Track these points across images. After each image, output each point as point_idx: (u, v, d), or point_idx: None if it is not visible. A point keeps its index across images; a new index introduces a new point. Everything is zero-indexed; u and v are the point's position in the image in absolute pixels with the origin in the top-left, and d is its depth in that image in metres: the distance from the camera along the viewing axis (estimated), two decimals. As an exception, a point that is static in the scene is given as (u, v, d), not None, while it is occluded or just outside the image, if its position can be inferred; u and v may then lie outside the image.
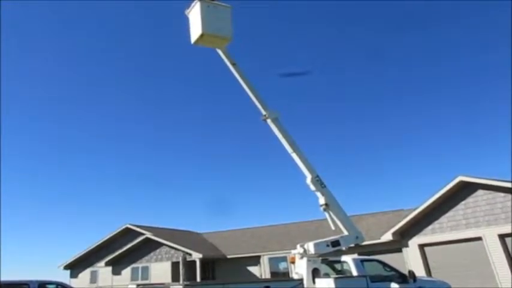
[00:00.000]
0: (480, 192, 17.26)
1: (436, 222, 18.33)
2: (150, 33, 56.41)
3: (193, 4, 9.92)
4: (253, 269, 24.59)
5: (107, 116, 58.72)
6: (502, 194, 16.56)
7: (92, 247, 29.79)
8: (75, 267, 30.58)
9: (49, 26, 53.99)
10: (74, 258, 30.35)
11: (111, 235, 29.17)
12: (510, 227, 15.98)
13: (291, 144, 10.50)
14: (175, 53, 59.18)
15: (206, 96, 59.04)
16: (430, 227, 18.48)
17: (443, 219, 18.14)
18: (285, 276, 21.12)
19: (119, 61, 58.14)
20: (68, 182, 59.96)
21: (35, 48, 52.85)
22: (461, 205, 17.75)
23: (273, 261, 23.95)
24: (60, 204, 59.39)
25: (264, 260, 24.24)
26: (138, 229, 27.65)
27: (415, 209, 18.84)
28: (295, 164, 10.61)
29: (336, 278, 8.53)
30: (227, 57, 10.36)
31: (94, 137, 59.42)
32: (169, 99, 60.89)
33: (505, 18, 40.09)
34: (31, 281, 14.15)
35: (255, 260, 24.58)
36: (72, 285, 22.74)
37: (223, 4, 10.03)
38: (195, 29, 9.72)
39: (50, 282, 15.55)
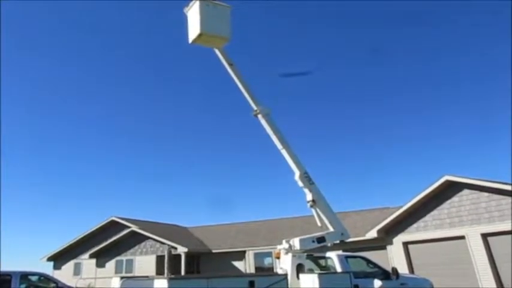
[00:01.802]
0: (465, 191, 17.45)
1: (421, 220, 18.51)
2: (150, 31, 55.99)
3: (192, 3, 9.78)
4: (238, 264, 24.63)
5: (94, 110, 58.17)
6: (486, 194, 16.77)
7: (77, 239, 29.53)
8: (59, 259, 30.28)
9: (47, 25, 53.22)
10: (58, 250, 30.04)
11: (97, 227, 28.96)
12: (492, 226, 16.24)
13: (281, 140, 10.50)
14: (174, 51, 58.76)
15: (188, 88, 58.75)
16: (414, 225, 18.66)
17: (428, 217, 18.32)
18: (269, 271, 21.17)
19: (112, 58, 57.53)
20: (53, 174, 59.33)
21: (34, 48, 52.33)
22: (446, 204, 17.94)
23: (258, 256, 24.01)
24: (44, 196, 58.82)
25: (250, 255, 24.28)
26: (123, 222, 27.47)
27: (400, 207, 19.00)
28: (284, 160, 10.63)
29: (320, 274, 8.55)
30: (224, 57, 10.28)
31: (84, 131, 58.81)
32: (152, 93, 60.47)
33: (502, 18, 40.42)
34: (13, 272, 13.95)
35: (240, 255, 24.61)
36: (55, 277, 22.50)
37: (222, 4, 9.90)
38: (194, 28, 9.59)
39: (33, 274, 15.37)
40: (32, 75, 55.34)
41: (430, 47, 48.17)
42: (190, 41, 9.78)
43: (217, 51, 10.26)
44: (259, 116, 10.47)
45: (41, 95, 56.61)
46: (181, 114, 59.16)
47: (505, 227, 15.89)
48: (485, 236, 16.48)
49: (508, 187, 15.86)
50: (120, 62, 58.71)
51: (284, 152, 10.52)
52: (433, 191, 18.08)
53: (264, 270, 22.84)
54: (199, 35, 9.39)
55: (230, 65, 10.33)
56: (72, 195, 59.77)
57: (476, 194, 17.11)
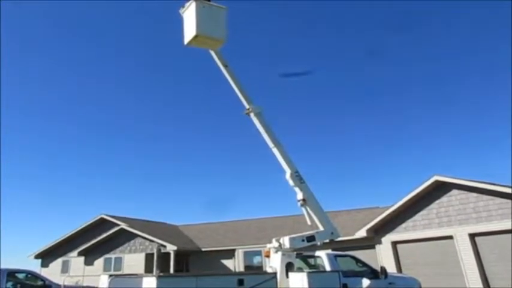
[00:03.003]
0: (454, 191, 17.60)
1: (410, 220, 18.64)
2: (150, 31, 55.71)
3: (188, 4, 9.67)
4: (228, 262, 24.58)
5: (90, 110, 57.71)
6: (475, 195, 16.93)
7: (65, 236, 29.21)
8: (47, 256, 29.95)
9: (45, 25, 52.60)
10: (46, 248, 29.72)
11: (85, 225, 28.68)
12: (480, 226, 16.41)
13: (273, 139, 10.47)
14: (173, 51, 58.49)
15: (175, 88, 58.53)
16: (403, 225, 18.78)
17: (417, 217, 18.44)
18: (259, 270, 21.17)
19: (111, 58, 57.10)
20: (42, 171, 58.76)
21: (33, 49, 51.76)
22: (435, 204, 18.07)
23: (248, 255, 23.98)
24: (33, 193, 58.24)
25: (239, 254, 24.24)
26: (113, 219, 27.25)
27: (390, 207, 19.11)
28: (275, 159, 10.60)
29: (309, 273, 8.56)
30: (219, 58, 10.20)
31: (75, 129, 58.32)
32: (144, 91, 60.17)
33: (502, 18, 40.52)
34: (0, 269, 13.82)
35: (230, 254, 24.56)
36: (43, 274, 22.28)
37: (218, 5, 9.81)
38: (189, 30, 9.48)
39: (20, 271, 15.23)
40: (26, 75, 54.73)
41: (426, 48, 48.45)
42: (185, 42, 9.67)
43: (212, 53, 10.18)
44: (251, 114, 10.43)
45: (41, 94, 55.98)
46: (180, 113, 58.88)
47: (492, 227, 16.09)
48: (473, 236, 16.65)
49: (496, 188, 16.05)
50: (119, 62, 58.30)
51: (275, 151, 10.49)
52: (422, 191, 18.20)
53: (254, 269, 22.83)
54: (195, 37, 9.29)
55: (225, 66, 10.25)
56: (61, 192, 59.26)
57: (464, 194, 17.27)
